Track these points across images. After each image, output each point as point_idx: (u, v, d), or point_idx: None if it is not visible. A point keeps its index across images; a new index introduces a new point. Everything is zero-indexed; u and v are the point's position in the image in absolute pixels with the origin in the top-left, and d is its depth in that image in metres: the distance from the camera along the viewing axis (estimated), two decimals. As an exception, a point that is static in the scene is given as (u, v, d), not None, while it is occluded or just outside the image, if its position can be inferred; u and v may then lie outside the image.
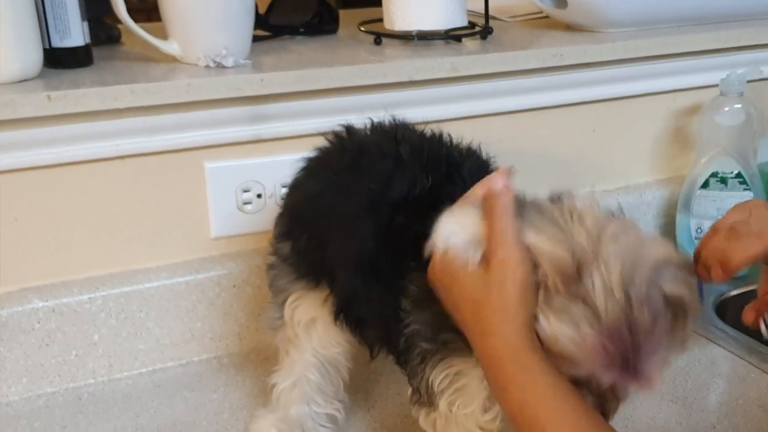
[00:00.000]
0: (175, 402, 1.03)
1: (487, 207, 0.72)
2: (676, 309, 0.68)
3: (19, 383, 1.03)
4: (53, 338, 1.03)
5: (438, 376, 0.76)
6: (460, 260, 0.71)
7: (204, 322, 1.10)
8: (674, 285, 0.68)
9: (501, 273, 0.69)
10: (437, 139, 0.86)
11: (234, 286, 1.10)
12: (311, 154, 0.90)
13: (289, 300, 0.91)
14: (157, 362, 1.09)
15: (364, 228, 0.79)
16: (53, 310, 1.03)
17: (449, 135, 0.87)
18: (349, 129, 0.89)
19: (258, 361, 1.10)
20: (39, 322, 1.02)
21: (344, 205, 0.82)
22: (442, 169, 0.81)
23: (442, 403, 0.77)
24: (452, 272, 0.72)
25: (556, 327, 0.66)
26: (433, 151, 0.83)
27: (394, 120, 0.88)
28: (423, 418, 0.80)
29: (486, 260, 0.70)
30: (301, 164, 0.91)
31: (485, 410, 0.76)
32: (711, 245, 0.78)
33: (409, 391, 0.80)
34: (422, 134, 0.87)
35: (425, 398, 0.78)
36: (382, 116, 0.89)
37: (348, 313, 0.85)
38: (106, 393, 1.05)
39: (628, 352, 0.66)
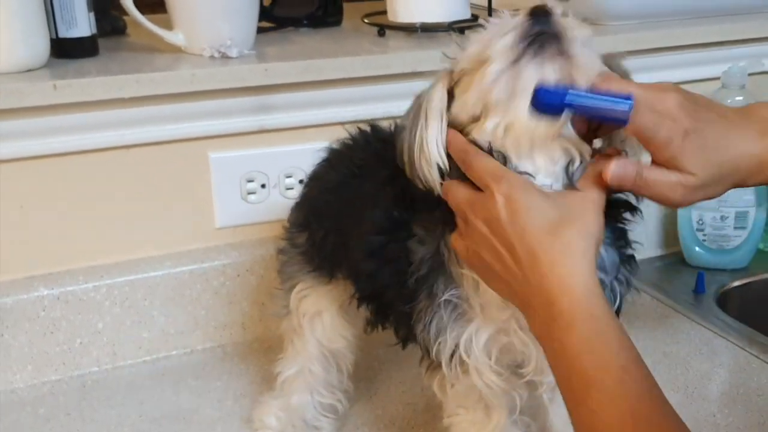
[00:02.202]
0: (179, 389, 1.03)
1: None
2: None
3: (24, 370, 1.04)
4: (58, 326, 1.04)
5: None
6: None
7: (208, 311, 1.11)
8: None
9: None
10: None
11: (238, 275, 1.11)
12: (333, 145, 0.90)
13: (297, 289, 0.91)
14: (162, 350, 1.10)
15: (385, 197, 0.79)
16: (58, 298, 1.03)
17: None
18: (374, 126, 0.89)
19: (261, 350, 1.10)
20: (44, 310, 1.03)
21: (366, 194, 0.81)
22: None
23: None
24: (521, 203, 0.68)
25: None
26: None
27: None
28: (437, 385, 0.79)
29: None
30: (322, 155, 0.90)
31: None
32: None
33: (420, 358, 0.79)
34: None
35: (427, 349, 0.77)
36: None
37: (372, 300, 0.84)
38: (110, 380, 1.06)
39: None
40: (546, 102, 0.69)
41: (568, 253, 0.66)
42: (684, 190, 0.71)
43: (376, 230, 0.79)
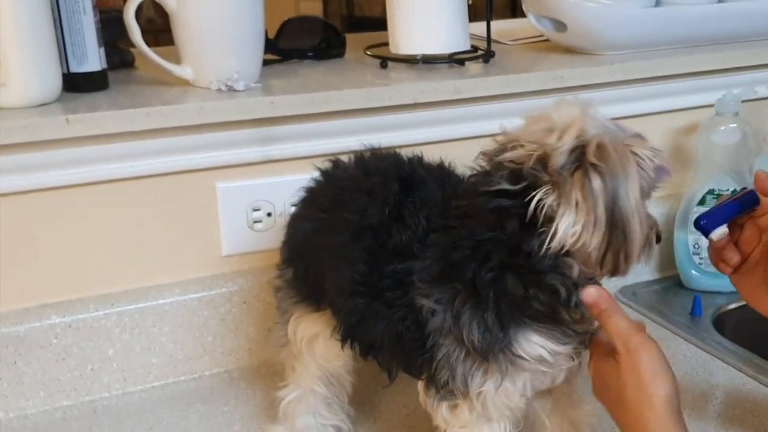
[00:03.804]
0: (187, 414, 1.06)
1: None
2: None
3: (37, 396, 1.06)
4: (70, 353, 1.07)
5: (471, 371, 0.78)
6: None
7: (215, 337, 1.13)
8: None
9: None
10: (405, 162, 0.89)
11: (244, 302, 1.14)
12: (303, 192, 0.94)
13: (292, 318, 0.95)
14: (170, 376, 1.12)
15: (353, 254, 0.82)
16: (70, 326, 1.06)
17: (420, 154, 0.91)
18: (335, 163, 0.93)
19: (267, 374, 1.13)
20: (56, 338, 1.06)
21: (332, 240, 0.85)
22: (406, 189, 0.84)
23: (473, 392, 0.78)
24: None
25: None
26: (400, 175, 0.86)
27: (372, 149, 0.92)
28: (445, 410, 0.81)
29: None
30: (297, 199, 0.95)
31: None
32: None
33: (422, 387, 0.82)
34: (395, 159, 0.90)
35: (451, 390, 0.79)
36: (368, 144, 0.94)
37: (356, 337, 0.86)
38: (121, 406, 1.08)
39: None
40: (708, 227, 0.88)
41: (669, 408, 0.75)
42: None
43: (357, 291, 0.82)
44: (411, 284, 0.78)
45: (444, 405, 0.81)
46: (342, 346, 0.88)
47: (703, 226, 0.88)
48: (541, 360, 0.77)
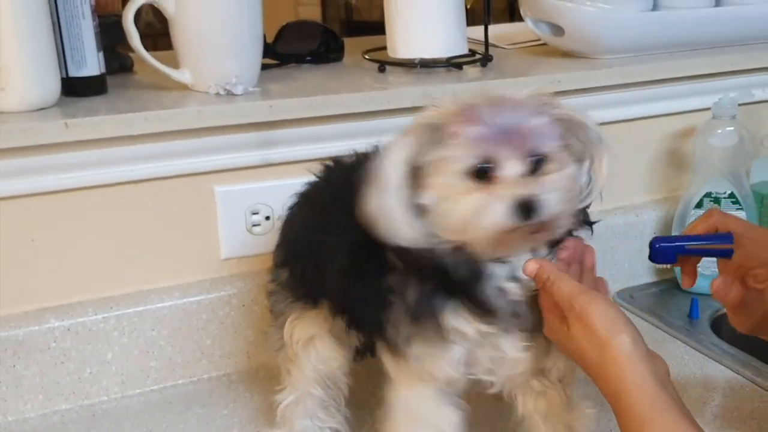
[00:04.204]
0: (186, 418, 1.06)
1: None
2: None
3: (36, 400, 1.07)
4: (68, 356, 1.07)
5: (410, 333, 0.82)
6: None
7: (214, 341, 1.13)
8: None
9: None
10: None
11: (243, 305, 1.14)
12: (302, 188, 0.95)
13: (288, 320, 0.95)
14: (169, 379, 1.12)
15: (346, 246, 0.85)
16: (69, 329, 1.06)
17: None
18: (336, 161, 0.94)
19: (265, 378, 1.13)
20: (55, 341, 1.06)
21: (330, 237, 0.87)
22: None
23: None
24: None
25: None
26: None
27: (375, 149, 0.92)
28: (392, 364, 0.85)
29: None
30: (294, 198, 0.96)
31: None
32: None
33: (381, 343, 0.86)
34: None
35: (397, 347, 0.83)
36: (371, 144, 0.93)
37: (350, 318, 0.89)
38: (119, 409, 1.08)
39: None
40: (663, 253, 0.89)
41: (631, 360, 0.75)
42: (763, 315, 0.91)
43: (348, 276, 0.86)
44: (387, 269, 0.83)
45: (391, 359, 0.85)
46: (333, 318, 0.92)
47: (657, 250, 0.90)
48: (461, 334, 0.80)
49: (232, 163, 1.10)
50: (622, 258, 1.37)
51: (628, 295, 1.34)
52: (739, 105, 1.31)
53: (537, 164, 0.76)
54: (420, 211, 0.77)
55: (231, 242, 1.14)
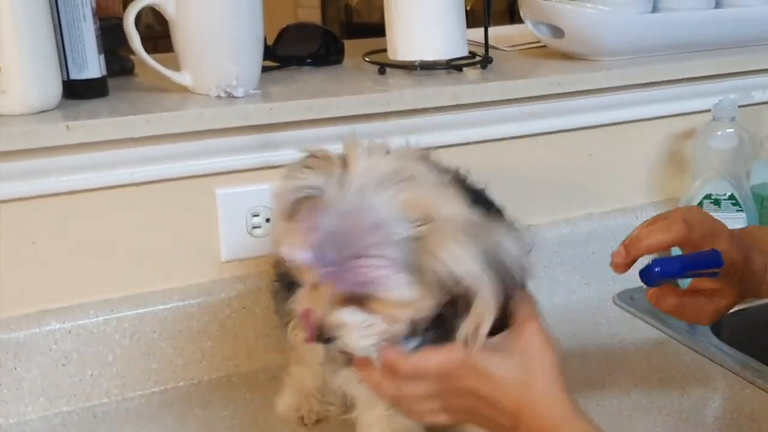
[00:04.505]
0: (187, 420, 1.06)
1: None
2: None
3: (37, 402, 1.07)
4: (69, 358, 1.07)
5: None
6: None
7: (215, 343, 1.13)
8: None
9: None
10: None
11: (243, 307, 1.14)
12: None
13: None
14: (170, 381, 1.12)
15: None
16: (70, 332, 1.06)
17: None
18: None
19: (266, 379, 1.13)
20: (56, 343, 1.06)
21: None
22: None
23: None
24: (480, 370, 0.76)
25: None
26: None
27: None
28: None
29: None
30: None
31: None
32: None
33: None
34: None
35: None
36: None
37: None
38: (121, 411, 1.08)
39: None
40: (659, 278, 0.86)
41: (544, 396, 0.75)
42: (716, 311, 0.93)
43: None
44: None
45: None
46: None
47: (658, 273, 0.86)
48: None
49: (232, 165, 1.10)
50: (622, 260, 1.37)
51: (628, 297, 1.34)
52: (739, 107, 1.32)
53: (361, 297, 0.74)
54: None
55: (232, 244, 1.14)
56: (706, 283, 0.93)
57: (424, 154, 0.80)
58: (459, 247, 0.71)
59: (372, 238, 0.71)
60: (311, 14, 4.27)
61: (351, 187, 0.72)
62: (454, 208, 0.73)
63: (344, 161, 0.75)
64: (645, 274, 0.87)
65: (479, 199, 0.82)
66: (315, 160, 0.77)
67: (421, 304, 0.73)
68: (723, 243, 0.88)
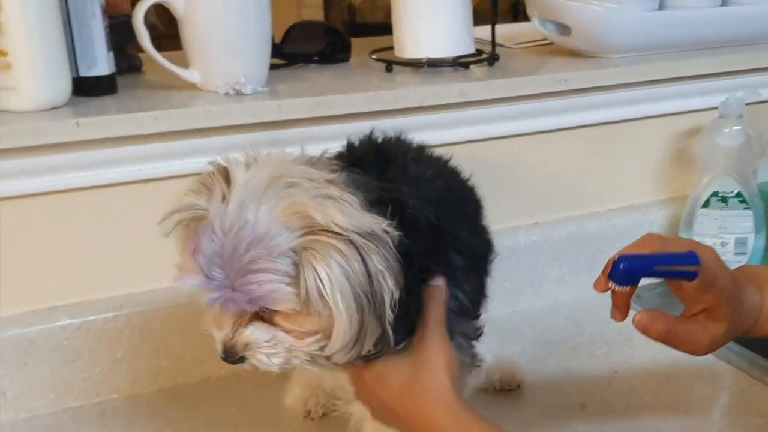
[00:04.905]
0: (196, 415, 1.06)
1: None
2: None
3: (47, 398, 1.07)
4: (79, 355, 1.07)
5: None
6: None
7: (223, 339, 1.14)
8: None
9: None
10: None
11: (252, 304, 1.14)
12: None
13: None
14: (179, 378, 1.13)
15: None
16: (80, 328, 1.07)
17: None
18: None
19: (275, 377, 1.11)
20: (66, 339, 1.06)
21: None
22: None
23: None
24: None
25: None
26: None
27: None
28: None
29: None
30: None
31: None
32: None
33: None
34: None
35: None
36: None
37: None
38: (130, 407, 1.09)
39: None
40: (627, 273, 0.81)
41: (427, 390, 0.77)
42: (712, 340, 0.85)
43: None
44: None
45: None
46: None
47: (623, 269, 0.81)
48: None
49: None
50: (629, 257, 1.37)
51: (636, 295, 1.33)
52: (746, 104, 1.32)
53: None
54: None
55: (240, 241, 1.14)
56: (690, 293, 0.85)
57: (311, 160, 0.78)
58: (326, 264, 0.69)
59: (255, 252, 0.70)
60: (314, 14, 4.27)
61: (231, 203, 0.72)
62: (333, 216, 0.70)
63: (227, 177, 0.74)
64: (612, 272, 0.82)
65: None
66: (207, 177, 0.77)
67: (324, 314, 0.72)
68: (706, 253, 0.82)
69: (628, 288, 0.83)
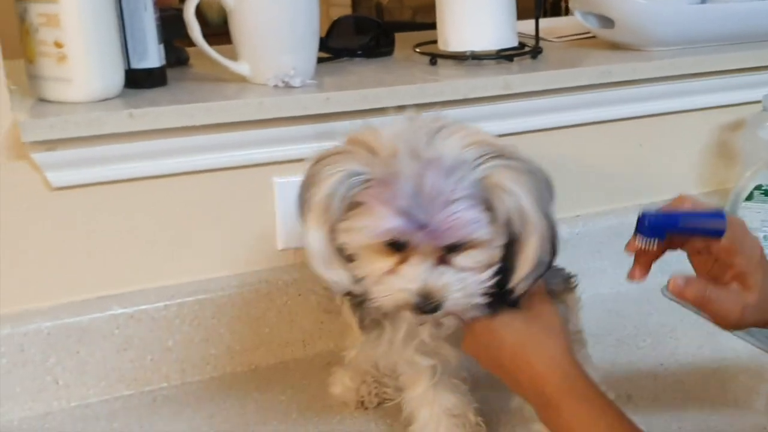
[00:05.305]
0: (246, 403, 1.07)
1: None
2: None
3: (98, 386, 1.09)
4: (130, 343, 1.09)
5: None
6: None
7: (271, 329, 1.15)
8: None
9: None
10: None
11: (299, 294, 1.15)
12: None
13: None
14: (228, 367, 1.14)
15: None
16: (132, 317, 1.08)
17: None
18: None
19: (321, 365, 1.14)
20: (118, 328, 1.08)
21: None
22: None
23: None
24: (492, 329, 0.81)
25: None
26: None
27: None
28: None
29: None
30: None
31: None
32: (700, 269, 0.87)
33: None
34: None
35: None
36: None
37: None
38: (180, 396, 1.10)
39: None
40: (653, 227, 0.81)
41: (541, 350, 0.79)
42: (743, 308, 0.83)
43: None
44: None
45: None
46: None
47: (650, 223, 0.81)
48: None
49: (290, 154, 1.11)
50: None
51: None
52: (790, 97, 1.31)
53: (453, 248, 0.76)
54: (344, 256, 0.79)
55: (288, 233, 1.15)
56: (720, 256, 0.84)
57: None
58: (521, 184, 0.74)
59: (450, 184, 0.72)
60: (342, 12, 4.27)
61: (406, 151, 0.74)
62: (505, 145, 0.75)
63: (368, 142, 0.77)
64: (639, 225, 0.82)
65: None
66: (344, 149, 0.79)
67: (497, 244, 0.76)
68: (734, 218, 0.84)
69: (655, 246, 0.83)
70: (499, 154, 0.75)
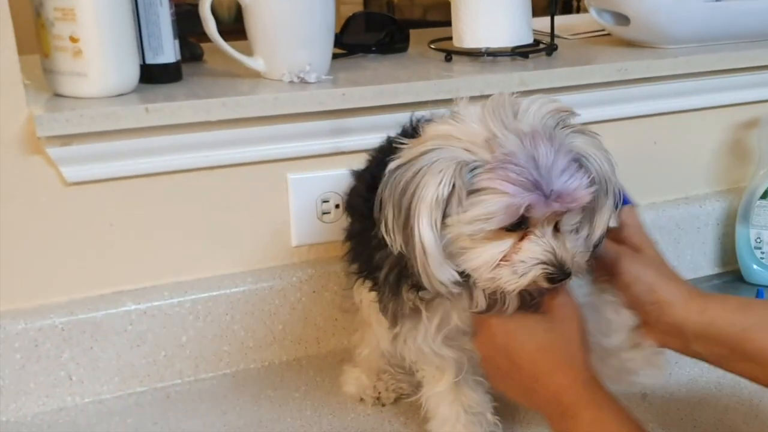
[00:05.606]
0: (259, 400, 1.07)
1: None
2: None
3: (112, 382, 1.09)
4: (144, 339, 1.09)
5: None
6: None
7: (285, 326, 1.15)
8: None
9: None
10: None
11: (313, 291, 1.15)
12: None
13: (357, 283, 0.96)
14: (241, 363, 1.14)
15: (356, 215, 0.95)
16: (145, 313, 1.08)
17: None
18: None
19: (335, 362, 1.14)
20: (131, 324, 1.08)
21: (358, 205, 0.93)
22: None
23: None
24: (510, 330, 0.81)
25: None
26: None
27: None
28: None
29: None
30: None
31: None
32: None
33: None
34: None
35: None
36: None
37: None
38: (193, 392, 1.10)
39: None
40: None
41: (563, 359, 0.79)
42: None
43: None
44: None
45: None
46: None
47: None
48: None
49: (304, 150, 1.11)
50: (685, 249, 1.37)
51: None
52: (806, 96, 1.31)
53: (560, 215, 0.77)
54: (452, 252, 0.77)
55: (302, 229, 1.15)
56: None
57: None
58: (599, 149, 0.79)
59: (559, 153, 0.74)
60: (354, 10, 4.26)
61: (500, 130, 0.75)
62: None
63: (454, 127, 0.78)
64: None
65: None
66: (432, 151, 0.77)
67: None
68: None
69: None
70: (568, 121, 0.79)
